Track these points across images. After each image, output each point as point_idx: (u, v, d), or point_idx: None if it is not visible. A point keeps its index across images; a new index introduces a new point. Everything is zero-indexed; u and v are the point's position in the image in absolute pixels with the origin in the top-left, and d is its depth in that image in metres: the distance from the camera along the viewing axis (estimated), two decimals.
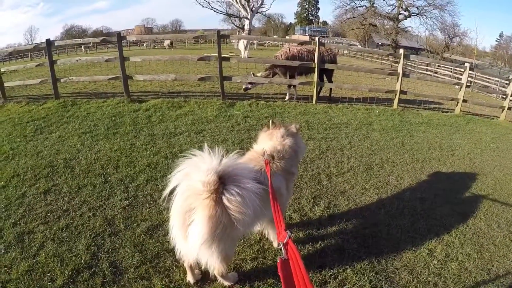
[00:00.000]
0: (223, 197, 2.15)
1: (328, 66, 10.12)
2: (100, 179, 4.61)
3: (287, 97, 10.60)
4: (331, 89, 10.75)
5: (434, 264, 3.62)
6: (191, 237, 2.25)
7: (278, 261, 1.45)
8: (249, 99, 9.50)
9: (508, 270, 3.77)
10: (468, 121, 10.21)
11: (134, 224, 3.69)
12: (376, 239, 3.87)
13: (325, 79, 10.77)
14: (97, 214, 3.86)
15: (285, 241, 1.58)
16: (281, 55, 10.22)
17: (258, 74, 10.38)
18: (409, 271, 3.45)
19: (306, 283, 1.28)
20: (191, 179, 2.18)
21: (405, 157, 6.47)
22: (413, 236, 4.03)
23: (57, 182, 4.59)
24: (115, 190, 4.35)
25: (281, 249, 1.55)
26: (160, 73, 11.28)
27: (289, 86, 10.47)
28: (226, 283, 2.89)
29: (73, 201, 4.15)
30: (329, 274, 3.22)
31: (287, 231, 1.67)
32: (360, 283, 3.16)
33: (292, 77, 10.24)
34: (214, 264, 2.42)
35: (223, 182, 2.16)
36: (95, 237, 3.44)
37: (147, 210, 3.98)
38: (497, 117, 11.81)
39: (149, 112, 7.76)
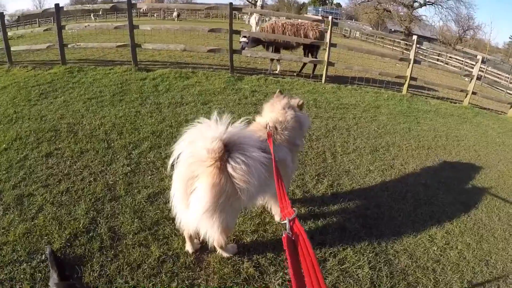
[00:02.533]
0: (228, 165, 2.07)
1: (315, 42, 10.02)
2: (103, 145, 4.53)
3: (277, 70, 10.43)
4: (315, 65, 10.49)
5: (434, 250, 3.58)
6: (192, 205, 2.18)
7: (283, 235, 1.38)
8: (257, 74, 9.33)
9: (505, 263, 3.73)
10: (476, 114, 10.03)
11: (135, 191, 3.63)
12: (378, 221, 3.81)
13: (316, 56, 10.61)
14: (98, 179, 3.79)
15: (291, 218, 1.49)
16: (267, 28, 9.99)
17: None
18: (408, 255, 3.40)
19: (314, 265, 1.20)
20: (196, 146, 2.09)
21: (411, 142, 6.36)
22: (415, 221, 3.97)
23: (59, 146, 4.51)
24: (118, 156, 4.28)
25: (283, 225, 1.47)
26: (170, 43, 11.00)
27: (271, 60, 10.25)
28: (225, 254, 2.84)
29: (75, 165, 4.07)
30: (329, 252, 3.17)
31: (294, 209, 1.57)
32: (359, 263, 3.11)
33: (277, 51, 10.03)
34: (214, 234, 2.36)
35: (229, 150, 2.08)
36: (95, 202, 3.39)
37: (149, 177, 3.91)
38: (504, 112, 11.61)
39: (156, 81, 7.62)
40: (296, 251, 1.30)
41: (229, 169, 2.07)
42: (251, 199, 2.57)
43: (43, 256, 2.66)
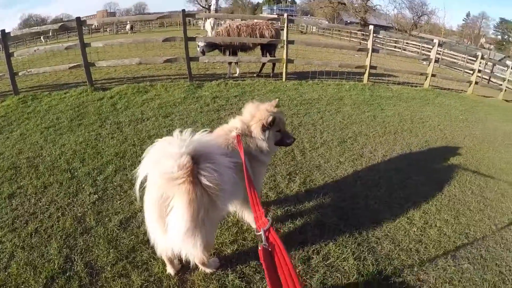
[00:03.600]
0: (200, 176, 2.00)
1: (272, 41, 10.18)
2: (67, 175, 4.34)
3: (237, 73, 10.49)
4: (274, 64, 10.62)
5: (414, 231, 3.67)
6: (172, 227, 2.10)
7: (259, 248, 1.37)
8: (217, 79, 9.31)
9: (484, 233, 3.89)
10: (437, 95, 10.45)
11: (106, 219, 3.49)
12: (355, 211, 3.87)
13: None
14: (66, 213, 3.61)
15: (266, 228, 1.48)
16: (222, 31, 10.02)
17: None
18: (390, 240, 3.48)
19: (292, 275, 1.20)
20: (162, 165, 1.98)
21: (377, 129, 6.53)
22: (391, 206, 4.07)
23: (21, 184, 4.24)
24: (83, 185, 4.11)
25: (260, 235, 1.46)
26: (124, 58, 10.79)
27: (229, 63, 10.31)
28: (208, 270, 2.80)
29: (40, 202, 3.85)
30: (312, 249, 3.19)
31: (268, 217, 1.55)
32: (343, 256, 3.15)
33: (234, 53, 10.03)
34: (196, 253, 2.31)
35: (196, 161, 2.01)
36: (66, 238, 3.22)
37: (118, 202, 3.78)
38: (464, 91, 12.19)
39: (114, 99, 7.44)
40: (274, 261, 1.30)
41: (203, 181, 2.00)
42: (226, 206, 2.54)
43: None
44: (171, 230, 2.11)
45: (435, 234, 3.68)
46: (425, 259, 3.32)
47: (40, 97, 8.15)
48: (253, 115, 2.83)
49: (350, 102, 8.24)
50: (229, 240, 3.21)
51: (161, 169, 1.98)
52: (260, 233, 1.47)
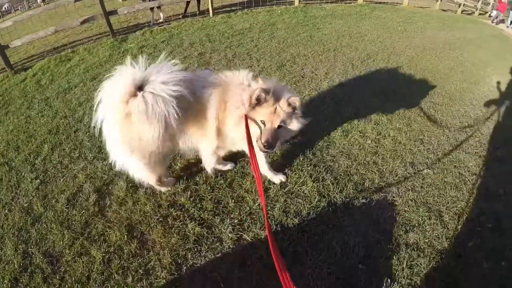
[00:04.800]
0: (132, 104, 2.09)
1: None
2: (4, 169, 3.78)
3: (161, 18, 9.79)
4: (199, 1, 9.99)
5: (369, 144, 3.59)
6: (113, 152, 2.45)
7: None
8: (141, 29, 8.59)
9: (438, 137, 3.91)
10: (373, 9, 10.42)
11: (53, 201, 3.16)
12: (305, 132, 3.66)
13: None
14: (13, 207, 3.20)
15: None
16: None
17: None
18: (346, 156, 3.37)
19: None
20: (110, 92, 2.17)
21: (315, 49, 6.33)
22: (341, 122, 3.95)
23: None
24: (23, 173, 3.63)
25: None
26: (38, 31, 9.62)
27: (151, 9, 9.58)
28: (163, 189, 2.93)
29: None
30: (267, 179, 3.01)
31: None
32: (301, 180, 3.01)
33: None
34: (141, 176, 2.60)
35: (140, 89, 2.10)
36: (19, 234, 2.90)
37: (61, 180, 3.42)
38: (399, 3, 12.26)
39: (38, 76, 6.62)
40: None
41: (132, 108, 2.09)
42: (165, 140, 2.35)
43: None
44: (111, 150, 2.45)
45: (390, 144, 3.63)
46: (384, 169, 3.26)
47: None
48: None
49: (284, 26, 7.93)
50: (181, 189, 3.01)
51: (109, 96, 2.18)
52: None
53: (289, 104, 2.30)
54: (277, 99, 2.29)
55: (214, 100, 2.35)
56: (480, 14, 15.24)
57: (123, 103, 2.10)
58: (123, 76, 2.12)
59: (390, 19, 9.49)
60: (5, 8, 36.13)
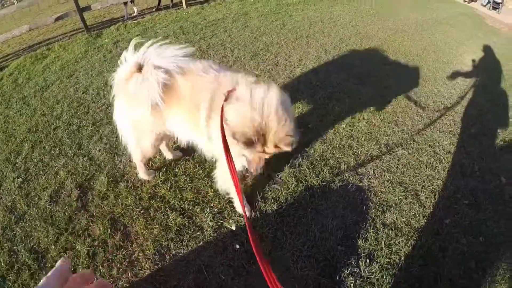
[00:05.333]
0: (129, 84, 2.27)
1: None
2: None
3: (135, 12, 9.68)
4: None
5: (343, 128, 3.66)
6: (117, 122, 2.67)
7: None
8: (115, 24, 8.49)
9: (412, 118, 4.01)
10: None
11: (36, 199, 3.20)
12: None
13: None
14: None
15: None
16: None
17: None
18: (321, 141, 3.42)
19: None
20: (120, 71, 2.36)
21: (288, 36, 6.36)
22: (316, 107, 4.00)
23: None
24: (4, 173, 3.64)
25: None
26: (12, 30, 9.44)
27: (125, 3, 9.48)
28: (145, 178, 3.04)
29: None
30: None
31: None
32: (277, 166, 3.07)
33: None
34: (132, 152, 2.81)
35: (140, 68, 2.25)
36: (4, 232, 2.93)
37: (43, 177, 3.44)
38: None
39: (14, 75, 6.51)
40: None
41: (130, 87, 2.26)
42: (155, 120, 2.48)
43: None
44: (120, 128, 2.70)
45: (364, 127, 3.71)
46: (359, 152, 3.33)
47: None
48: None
49: (257, 15, 7.93)
50: (161, 181, 3.06)
51: (119, 72, 2.38)
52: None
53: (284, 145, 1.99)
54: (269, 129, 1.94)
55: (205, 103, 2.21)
56: None
57: (126, 81, 2.28)
58: (129, 56, 2.31)
59: (363, 2, 9.56)
60: None
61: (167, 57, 2.25)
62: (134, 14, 9.47)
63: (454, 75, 5.46)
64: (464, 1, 14.79)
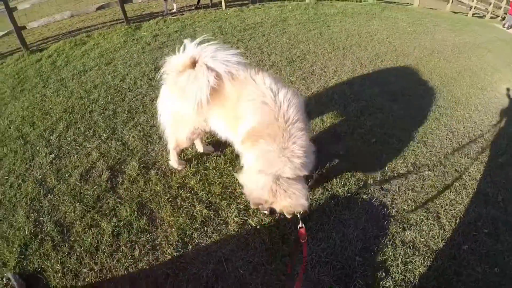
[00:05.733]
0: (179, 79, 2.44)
1: None
2: (19, 142, 3.95)
3: (174, 8, 9.87)
4: None
5: (373, 142, 3.73)
6: (160, 106, 2.86)
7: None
8: (155, 18, 8.71)
9: (442, 141, 4.06)
10: (383, 9, 10.49)
11: (66, 175, 3.35)
12: (313, 129, 3.83)
13: None
14: (26, 178, 3.38)
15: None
16: None
17: None
18: (350, 152, 3.52)
19: None
20: (173, 61, 2.51)
21: (325, 46, 6.46)
22: (348, 118, 4.10)
23: None
24: (38, 148, 3.81)
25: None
26: (55, 14, 9.74)
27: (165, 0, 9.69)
28: (175, 166, 3.19)
29: None
30: None
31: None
32: None
33: None
34: (169, 139, 2.96)
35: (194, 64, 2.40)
36: (31, 203, 3.08)
37: (75, 156, 3.60)
38: (410, 4, 12.32)
39: (53, 57, 6.75)
40: None
41: (178, 83, 2.46)
42: (197, 117, 2.63)
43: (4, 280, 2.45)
44: (161, 111, 2.87)
45: (393, 144, 3.76)
46: (386, 168, 3.39)
47: None
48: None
49: (295, 22, 8.05)
50: (191, 172, 3.19)
51: (171, 62, 2.54)
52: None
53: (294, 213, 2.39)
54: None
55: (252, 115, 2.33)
56: (491, 17, 15.17)
57: (179, 74, 2.43)
58: (189, 47, 2.44)
59: (400, 19, 9.58)
60: None
61: (221, 60, 2.35)
62: (173, 11, 9.69)
63: (487, 102, 5.45)
64: (503, 27, 14.54)
